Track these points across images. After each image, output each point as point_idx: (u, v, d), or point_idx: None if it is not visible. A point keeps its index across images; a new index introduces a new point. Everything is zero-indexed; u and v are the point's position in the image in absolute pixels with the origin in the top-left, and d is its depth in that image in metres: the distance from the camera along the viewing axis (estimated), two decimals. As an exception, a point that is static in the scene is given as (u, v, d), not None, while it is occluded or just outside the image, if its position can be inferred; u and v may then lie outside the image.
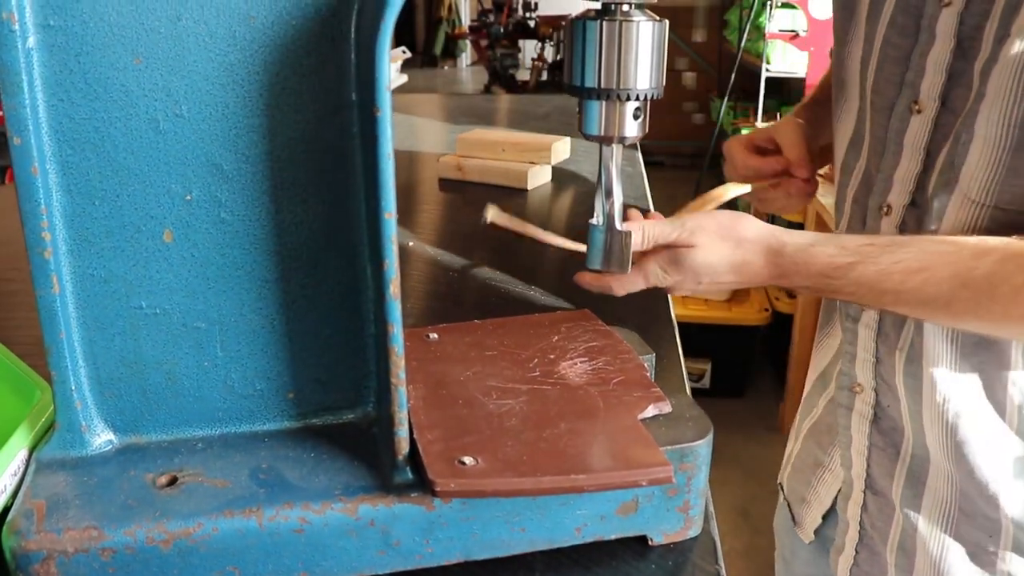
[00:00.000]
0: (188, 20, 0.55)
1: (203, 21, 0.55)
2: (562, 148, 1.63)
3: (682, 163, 5.43)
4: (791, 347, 2.79)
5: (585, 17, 0.62)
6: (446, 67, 10.37)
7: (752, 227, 0.69)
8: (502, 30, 7.07)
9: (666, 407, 0.65)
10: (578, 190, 1.57)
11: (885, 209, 0.77)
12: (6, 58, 0.53)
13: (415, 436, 0.59)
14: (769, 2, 3.46)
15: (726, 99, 3.89)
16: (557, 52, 6.88)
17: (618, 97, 0.63)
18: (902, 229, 0.76)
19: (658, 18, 0.62)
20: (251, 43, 0.56)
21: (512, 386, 0.67)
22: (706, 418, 0.66)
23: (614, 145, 0.66)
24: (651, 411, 0.65)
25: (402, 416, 0.57)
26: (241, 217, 0.59)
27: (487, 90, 7.17)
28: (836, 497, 0.90)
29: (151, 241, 0.59)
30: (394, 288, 0.53)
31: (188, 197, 0.58)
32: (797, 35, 3.47)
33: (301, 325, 0.62)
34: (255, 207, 0.59)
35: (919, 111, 0.73)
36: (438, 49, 10.10)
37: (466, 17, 9.95)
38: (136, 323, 0.61)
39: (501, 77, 7.14)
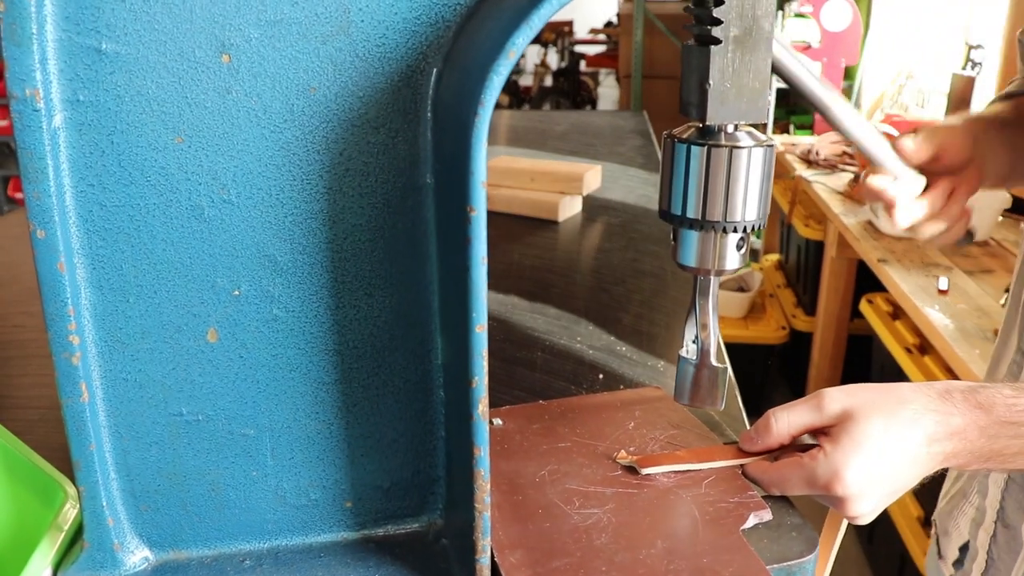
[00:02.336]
0: (239, 93, 0.47)
1: (256, 94, 0.48)
2: (593, 178, 1.56)
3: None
4: (809, 366, 2.73)
5: (688, 140, 0.55)
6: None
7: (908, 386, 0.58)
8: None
9: (766, 515, 0.58)
10: (609, 222, 1.50)
11: None
12: (29, 141, 0.45)
13: (495, 557, 0.52)
14: (782, 12, 3.39)
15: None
16: (561, 58, 6.82)
17: (723, 229, 0.55)
18: None
19: (767, 140, 0.55)
20: (311, 118, 0.48)
21: (595, 489, 0.59)
22: (808, 526, 0.59)
23: (712, 277, 0.59)
24: (751, 520, 0.58)
25: (485, 544, 0.50)
26: (296, 314, 0.52)
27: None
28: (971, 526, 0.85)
29: (193, 342, 0.52)
30: (482, 407, 0.46)
31: (236, 292, 0.51)
32: (809, 46, 3.40)
33: (362, 429, 0.55)
34: (312, 302, 0.51)
35: None
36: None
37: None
38: (176, 431, 0.53)
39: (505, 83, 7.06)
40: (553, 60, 6.93)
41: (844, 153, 2.73)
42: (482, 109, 0.41)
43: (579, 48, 6.85)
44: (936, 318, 1.62)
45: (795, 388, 2.88)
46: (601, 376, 0.94)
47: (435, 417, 0.55)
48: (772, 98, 3.60)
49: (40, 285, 0.48)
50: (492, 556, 0.52)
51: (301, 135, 0.48)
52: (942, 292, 1.74)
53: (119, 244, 0.49)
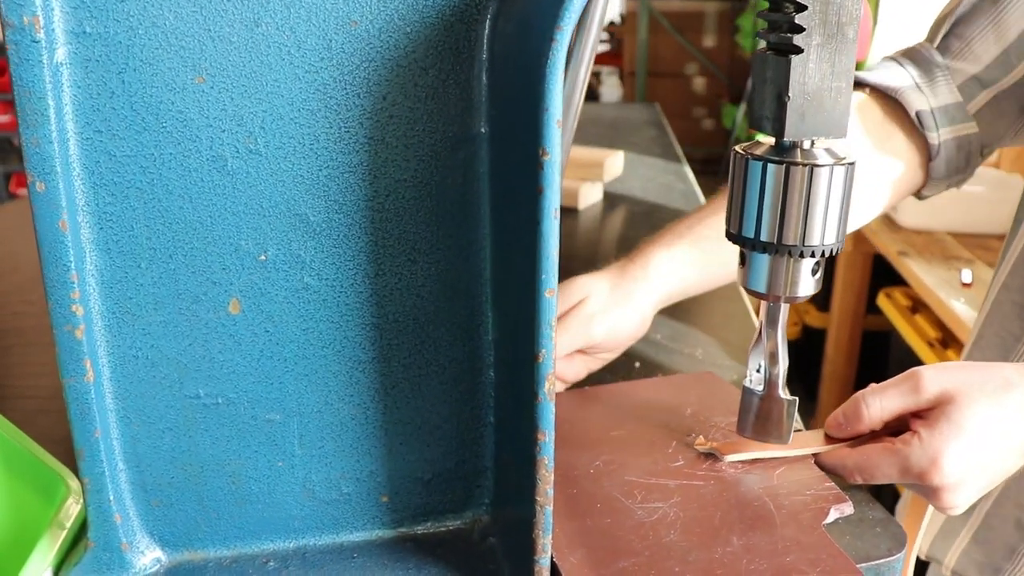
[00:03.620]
0: (269, 25, 0.41)
1: (288, 27, 0.42)
2: (614, 164, 1.50)
3: (692, 169, 5.29)
4: (823, 363, 2.68)
5: (763, 157, 0.49)
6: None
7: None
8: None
9: (848, 508, 0.52)
10: (631, 210, 1.44)
11: None
12: (27, 78, 0.39)
13: (555, 558, 0.46)
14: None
15: (741, 105, 3.77)
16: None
17: (800, 254, 0.50)
18: None
19: (846, 158, 0.50)
20: (351, 56, 0.42)
21: (657, 482, 0.53)
22: (893, 521, 0.53)
23: (782, 304, 0.53)
24: (832, 514, 0.52)
25: (546, 542, 0.44)
26: (330, 282, 0.46)
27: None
28: None
29: (213, 313, 0.45)
30: (549, 386, 0.40)
31: (262, 257, 0.45)
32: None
33: (401, 414, 0.49)
34: (348, 269, 0.45)
35: None
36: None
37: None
38: (192, 416, 0.47)
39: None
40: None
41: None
42: (559, 33, 0.35)
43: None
44: (962, 311, 1.57)
45: (808, 385, 2.82)
46: (637, 364, 0.88)
47: (484, 400, 0.49)
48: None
49: (39, 247, 0.42)
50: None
51: (339, 76, 0.42)
52: (966, 285, 1.69)
53: (129, 200, 0.43)
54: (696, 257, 0.71)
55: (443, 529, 0.52)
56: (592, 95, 6.64)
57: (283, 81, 0.42)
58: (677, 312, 1.03)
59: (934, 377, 0.52)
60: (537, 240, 0.37)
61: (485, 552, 0.50)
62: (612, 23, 6.99)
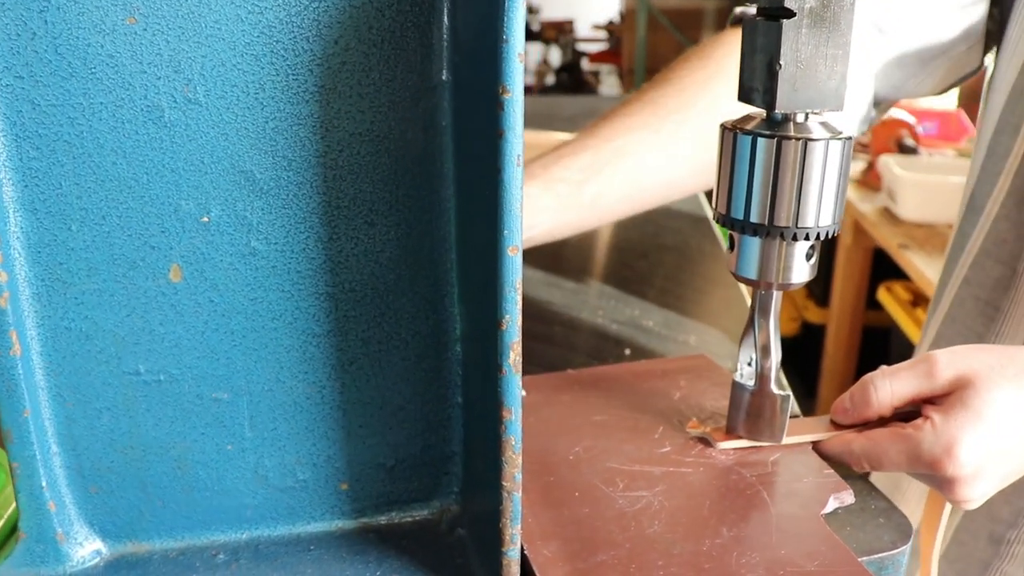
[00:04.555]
0: (207, -38, 0.37)
1: (228, -37, 0.38)
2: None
3: (690, 164, 5.23)
4: (822, 359, 2.64)
5: (752, 131, 0.46)
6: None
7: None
8: (507, 34, 6.92)
9: (848, 497, 0.48)
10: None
11: None
12: (-62, 16, 0.35)
13: (526, 551, 0.42)
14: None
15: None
16: (564, 56, 6.75)
17: (793, 237, 0.46)
18: None
19: (843, 132, 0.46)
20: (298, -4, 0.38)
21: (641, 469, 0.50)
22: (897, 511, 0.49)
23: (774, 291, 0.49)
24: (831, 504, 0.48)
25: (515, 532, 0.40)
26: (279, 247, 0.42)
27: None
28: None
29: (152, 281, 0.42)
30: (514, 357, 0.36)
31: (204, 219, 0.41)
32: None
33: (361, 393, 0.45)
34: (300, 232, 0.41)
35: None
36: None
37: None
38: (132, 394, 0.43)
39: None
40: (555, 59, 6.85)
41: (856, 142, 2.64)
42: (522, -46, 0.31)
43: (581, 46, 6.77)
44: (968, 303, 1.53)
45: (807, 381, 2.79)
46: (628, 351, 0.84)
47: (451, 379, 0.45)
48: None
49: (-43, 206, 0.38)
50: (521, 548, 0.42)
51: (286, 17, 0.38)
52: (969, 278, 1.65)
53: (57, 155, 0.39)
54: (549, 202, 0.65)
55: (409, 519, 0.48)
56: (592, 93, 6.60)
57: (223, 22, 0.38)
58: (670, 298, 1.00)
59: (950, 360, 0.48)
60: (498, 191, 0.33)
61: (453, 544, 0.47)
62: (611, 21, 6.95)
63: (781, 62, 0.43)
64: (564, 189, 0.64)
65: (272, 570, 0.45)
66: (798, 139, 0.44)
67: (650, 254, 1.15)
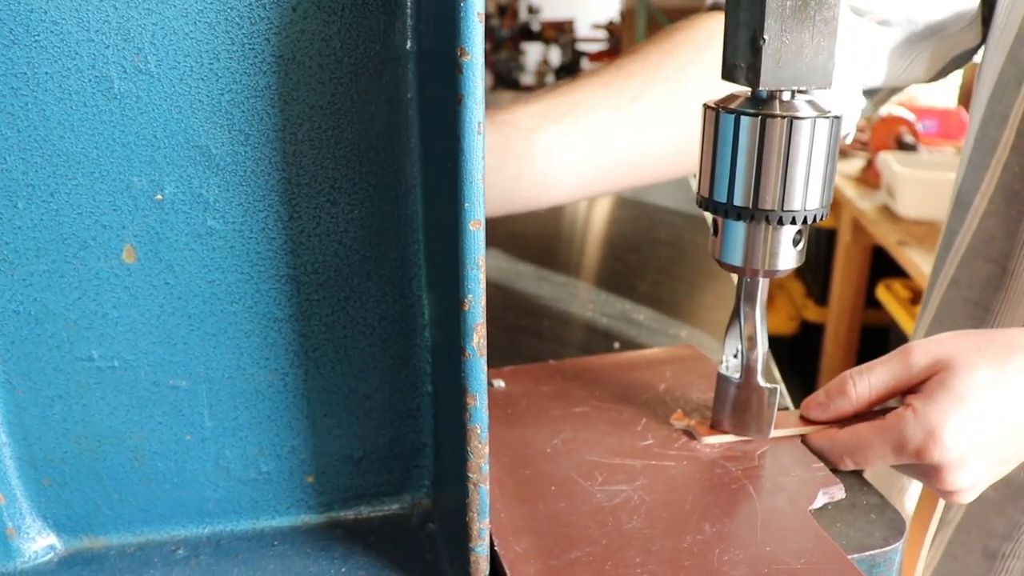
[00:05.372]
0: (157, -77, 0.36)
1: (180, -75, 0.36)
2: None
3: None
4: (821, 358, 2.62)
5: (736, 110, 0.43)
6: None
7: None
8: (507, 34, 6.93)
9: (838, 492, 0.46)
10: (620, 200, 1.38)
11: None
12: None
13: (496, 547, 0.40)
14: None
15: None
16: (563, 56, 6.74)
17: (779, 221, 0.44)
18: None
19: (831, 111, 0.44)
20: (254, -40, 0.36)
21: (622, 462, 0.47)
22: (890, 507, 0.47)
23: (760, 278, 0.47)
24: (820, 499, 0.46)
25: (482, 527, 0.38)
26: (237, 226, 0.40)
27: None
28: None
29: (104, 262, 0.40)
30: (478, 338, 0.34)
31: (158, 196, 0.39)
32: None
33: (326, 381, 0.43)
34: (259, 211, 0.39)
35: None
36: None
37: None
38: (85, 381, 0.41)
39: (505, 81, 7.01)
40: (555, 59, 6.83)
41: (855, 140, 2.62)
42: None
43: (581, 46, 6.76)
44: (966, 300, 1.51)
45: (806, 380, 2.76)
46: (617, 345, 0.82)
47: (420, 366, 0.43)
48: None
49: None
50: (492, 544, 0.40)
51: (241, -18, 0.36)
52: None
53: (0, 127, 0.37)
54: (494, 142, 0.60)
55: (378, 514, 0.46)
56: (590, 91, 6.58)
57: (175, -13, 0.36)
58: (661, 291, 0.98)
59: (925, 347, 0.46)
60: (458, 160, 0.31)
61: (424, 540, 0.45)
62: (611, 21, 6.94)
63: (765, 36, 0.41)
64: (512, 133, 0.60)
65: (232, 566, 0.43)
66: (783, 117, 0.42)
67: (642, 248, 1.13)
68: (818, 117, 0.43)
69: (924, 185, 1.95)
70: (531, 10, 7.04)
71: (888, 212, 2.05)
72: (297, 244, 0.40)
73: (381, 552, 0.44)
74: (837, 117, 0.44)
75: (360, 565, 0.43)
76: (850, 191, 2.25)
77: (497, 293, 0.95)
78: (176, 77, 0.37)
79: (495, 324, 0.91)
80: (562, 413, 0.52)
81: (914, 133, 2.29)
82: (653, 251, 1.13)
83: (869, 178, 2.28)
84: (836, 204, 2.43)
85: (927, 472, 0.45)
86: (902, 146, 2.25)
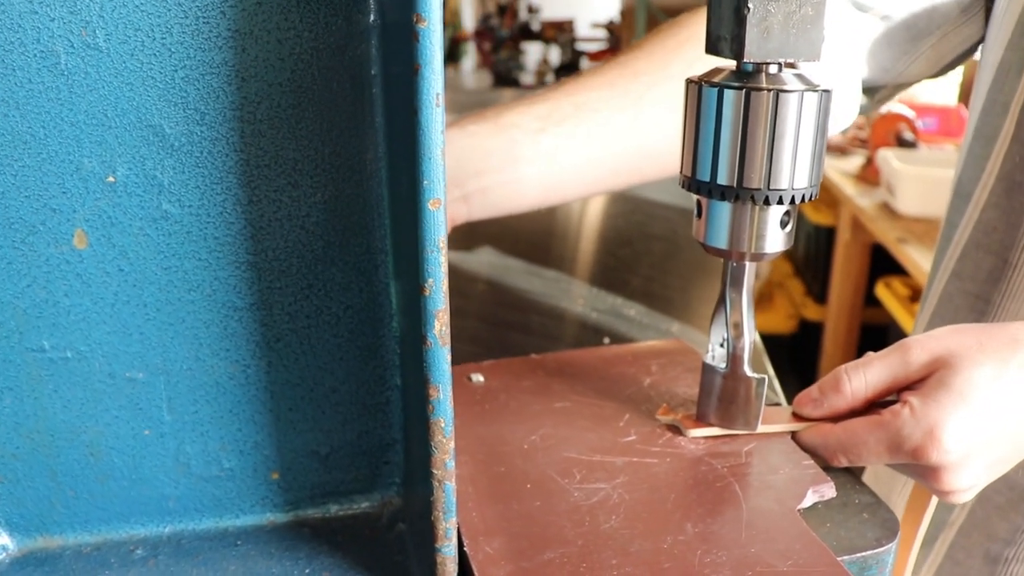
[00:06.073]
0: None
1: None
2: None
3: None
4: (821, 357, 2.60)
5: (719, 84, 0.41)
6: (450, 71, 10.15)
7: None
8: (507, 33, 6.92)
9: (829, 491, 0.44)
10: (616, 198, 1.36)
11: None
12: None
13: (466, 548, 0.38)
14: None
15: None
16: (563, 56, 6.73)
17: (766, 200, 0.42)
18: None
19: (819, 85, 0.42)
20: (207, -72, 0.34)
21: (602, 459, 0.46)
22: (883, 507, 0.45)
23: (747, 262, 0.45)
24: (810, 498, 0.44)
25: (449, 527, 0.36)
26: (194, 210, 0.38)
27: (492, 93, 7.04)
28: None
29: (54, 247, 0.38)
30: (440, 326, 0.32)
31: (110, 178, 0.37)
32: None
33: (289, 374, 0.41)
34: (216, 194, 0.38)
35: None
36: (437, 50, 9.87)
37: (468, 20, 9.74)
38: (37, 373, 0.40)
39: (505, 80, 7.00)
40: (555, 58, 6.82)
41: (854, 137, 2.60)
42: None
43: (580, 46, 6.74)
44: (966, 298, 1.49)
45: (805, 379, 2.74)
46: (607, 340, 0.80)
47: (388, 358, 0.41)
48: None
49: None
50: (461, 545, 0.38)
51: (194, -49, 0.35)
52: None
53: (-59, 105, 0.35)
54: (500, 144, 0.60)
55: (347, 513, 0.44)
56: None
57: (124, -44, 0.34)
58: (654, 287, 0.96)
59: (924, 343, 0.44)
60: (416, 134, 0.29)
61: (393, 540, 0.43)
62: (611, 21, 6.92)
63: (750, 5, 0.39)
64: (519, 135, 0.59)
65: (192, 567, 0.41)
66: (769, 90, 0.40)
67: (636, 243, 1.11)
68: (806, 91, 0.41)
69: (924, 182, 1.94)
70: (531, 10, 7.03)
71: (888, 209, 2.03)
72: (257, 229, 0.38)
73: (348, 552, 0.42)
74: (827, 91, 0.42)
75: (325, 566, 0.41)
76: (849, 188, 2.23)
77: (486, 289, 0.93)
78: (127, 52, 0.35)
79: (483, 320, 0.90)
80: (542, 408, 0.50)
81: (914, 130, 2.27)
82: (647, 246, 1.11)
83: (869, 175, 2.26)
84: (835, 201, 2.41)
85: (924, 472, 0.43)
86: (902, 143, 2.23)
